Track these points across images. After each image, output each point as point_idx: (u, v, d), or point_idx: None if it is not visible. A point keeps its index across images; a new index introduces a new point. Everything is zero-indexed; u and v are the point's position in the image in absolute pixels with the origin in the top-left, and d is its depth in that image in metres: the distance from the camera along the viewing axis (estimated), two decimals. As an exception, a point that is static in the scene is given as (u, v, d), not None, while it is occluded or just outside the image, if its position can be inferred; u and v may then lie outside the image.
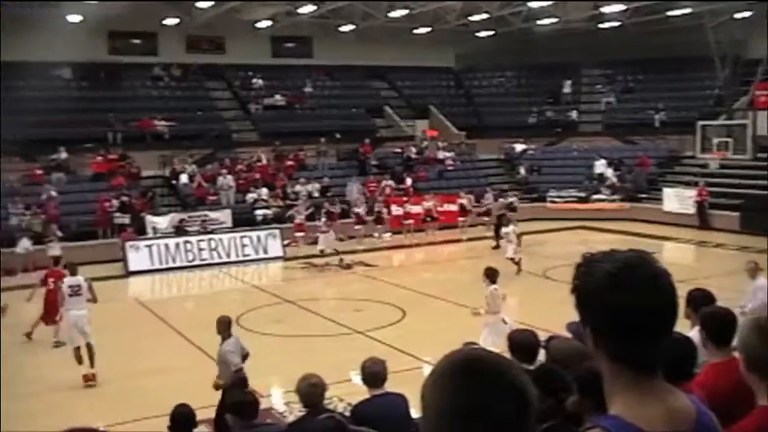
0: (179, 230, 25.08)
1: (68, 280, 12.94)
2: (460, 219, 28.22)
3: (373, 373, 6.14)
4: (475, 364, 1.62)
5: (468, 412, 1.56)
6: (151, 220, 25.42)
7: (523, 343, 5.32)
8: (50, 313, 15.00)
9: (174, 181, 29.20)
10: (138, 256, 23.21)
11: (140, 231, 24.99)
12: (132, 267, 22.90)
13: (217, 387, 9.17)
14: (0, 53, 29.40)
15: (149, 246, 23.64)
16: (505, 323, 11.62)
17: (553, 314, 5.98)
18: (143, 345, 14.61)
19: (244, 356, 9.60)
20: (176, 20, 34.15)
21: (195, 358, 13.64)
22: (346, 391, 10.17)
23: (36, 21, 31.90)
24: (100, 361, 13.44)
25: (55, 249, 22.36)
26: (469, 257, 24.75)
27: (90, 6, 31.42)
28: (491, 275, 12.35)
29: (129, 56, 35.79)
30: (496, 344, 9.96)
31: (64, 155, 28.63)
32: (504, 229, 21.93)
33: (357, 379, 11.54)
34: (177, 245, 23.91)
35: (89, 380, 12.42)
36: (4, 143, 30.27)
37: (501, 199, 27.69)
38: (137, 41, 36.78)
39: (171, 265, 23.43)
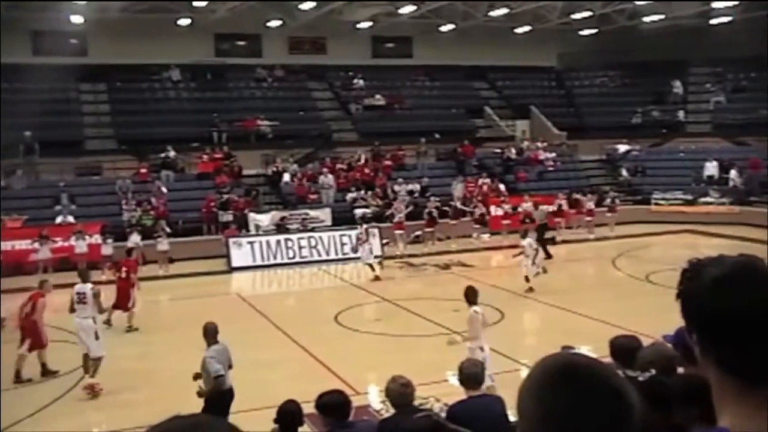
0: (280, 228, 25.61)
1: (76, 287, 12.79)
2: (557, 220, 27.77)
3: (471, 375, 6.10)
4: (572, 370, 1.56)
5: (564, 421, 1.50)
6: (253, 217, 26.05)
7: (625, 348, 5.18)
8: (122, 300, 16.15)
9: (276, 180, 29.83)
10: (240, 252, 23.84)
11: (243, 228, 25.67)
12: (235, 263, 23.53)
13: (200, 394, 9.09)
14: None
15: (251, 243, 24.24)
16: (482, 351, 10.39)
17: (655, 320, 5.82)
18: (244, 339, 14.90)
19: (230, 366, 9.50)
20: (279, 22, 34.89)
21: (294, 354, 13.94)
22: (443, 392, 10.17)
23: (148, 25, 33.22)
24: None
25: (163, 244, 23.24)
26: (568, 260, 24.35)
27: (198, 10, 32.51)
28: (470, 296, 11.09)
29: (234, 58, 36.82)
30: None
31: (172, 154, 29.66)
32: (522, 242, 19.72)
33: (454, 379, 11.56)
34: (278, 242, 24.44)
35: (87, 389, 12.06)
36: (118, 141, 31.77)
37: (542, 207, 26.53)
38: (242, 43, 37.78)
39: (272, 261, 23.95)
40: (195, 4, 31.72)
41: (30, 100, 32.58)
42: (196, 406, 10.42)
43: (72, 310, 12.54)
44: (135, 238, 23.57)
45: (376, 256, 22.56)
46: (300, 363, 13.27)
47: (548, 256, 22.60)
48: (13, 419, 10.53)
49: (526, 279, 18.64)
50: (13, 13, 31.61)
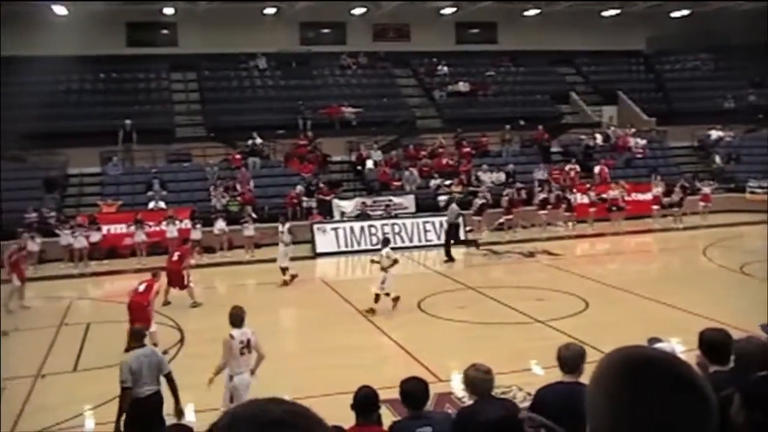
0: (363, 214, 25.81)
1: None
2: (654, 208, 27.11)
3: (569, 359, 5.81)
4: (642, 364, 1.50)
5: (636, 417, 1.45)
6: (337, 204, 26.33)
7: (716, 342, 5.01)
8: (176, 281, 17.07)
9: (360, 167, 30.05)
10: (325, 238, 24.14)
11: (327, 214, 25.97)
12: (319, 249, 23.85)
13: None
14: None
15: (335, 229, 24.52)
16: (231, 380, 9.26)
17: (749, 313, 5.64)
18: (328, 323, 15.20)
19: (166, 374, 8.57)
20: (363, 9, 35.01)
21: (377, 339, 14.07)
22: (525, 381, 10.11)
23: (235, 15, 33.89)
24: (290, 335, 14.18)
25: (249, 230, 23.74)
26: (660, 249, 23.76)
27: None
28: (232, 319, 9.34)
29: (318, 46, 37.20)
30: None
31: (258, 141, 30.21)
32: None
33: (537, 368, 11.50)
34: (362, 229, 24.63)
35: None
36: (207, 129, 32.56)
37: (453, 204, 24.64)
38: (326, 31, 38.14)
39: (355, 248, 24.15)
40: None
41: (124, 90, 33.84)
42: (283, 387, 10.67)
43: None
44: (221, 224, 24.17)
45: (459, 241, 22.68)
46: (383, 349, 13.40)
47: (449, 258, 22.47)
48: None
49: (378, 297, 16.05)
50: (109, 6, 32.72)
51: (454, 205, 23.98)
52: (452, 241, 23.02)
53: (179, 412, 8.38)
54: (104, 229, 23.98)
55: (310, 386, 10.59)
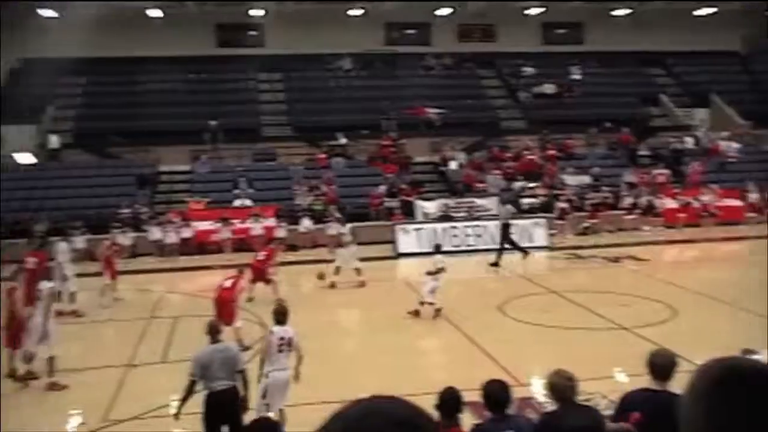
0: (446, 216, 25.75)
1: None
2: (749, 215, 26.17)
3: (659, 365, 5.64)
4: (737, 376, 1.45)
5: (731, 429, 1.40)
6: (420, 204, 26.35)
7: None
8: (261, 278, 17.21)
9: (443, 168, 30.00)
10: (407, 238, 24.19)
11: (409, 215, 26.01)
12: (401, 249, 23.91)
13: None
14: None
15: (417, 230, 24.53)
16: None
17: None
18: (409, 324, 15.21)
19: (239, 370, 8.50)
20: (449, 10, 34.96)
21: (457, 341, 14.00)
22: (610, 388, 9.89)
23: (321, 16, 34.30)
24: (370, 334, 14.28)
25: (332, 229, 24.00)
26: (752, 257, 22.90)
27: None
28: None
29: (403, 46, 37.33)
30: None
31: (343, 141, 30.49)
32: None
33: (621, 375, 11.25)
34: (444, 230, 24.57)
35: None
36: (292, 129, 33.09)
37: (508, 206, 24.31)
38: (411, 32, 38.22)
39: (438, 249, 24.09)
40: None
41: (213, 90, 34.72)
42: (367, 386, 10.75)
43: None
44: (307, 223, 24.50)
45: (540, 247, 22.31)
46: (464, 350, 13.33)
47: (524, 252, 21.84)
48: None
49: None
50: (200, 8, 33.64)
51: (508, 206, 23.73)
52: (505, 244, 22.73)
53: (245, 409, 8.48)
54: (192, 225, 24.62)
55: (394, 386, 10.55)
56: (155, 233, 23.76)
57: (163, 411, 10.81)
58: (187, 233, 24.13)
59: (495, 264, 21.67)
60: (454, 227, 24.76)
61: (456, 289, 20.97)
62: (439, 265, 15.76)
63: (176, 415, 8.40)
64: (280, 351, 9.01)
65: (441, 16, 35.77)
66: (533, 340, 14.13)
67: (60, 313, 15.29)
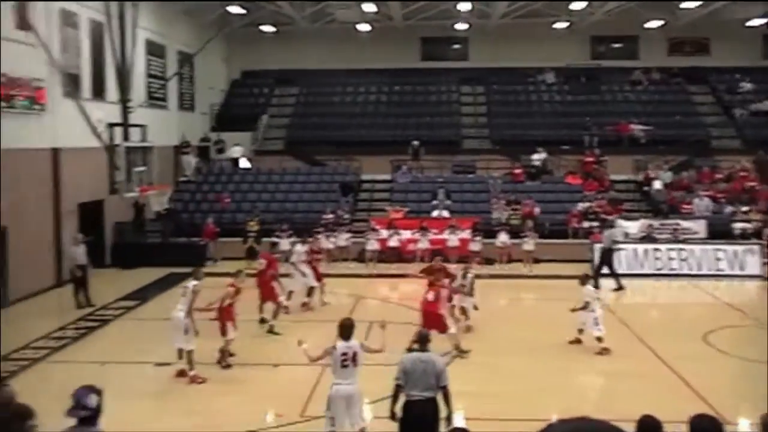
0: (648, 237, 24.75)
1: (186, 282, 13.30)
2: None
3: None
4: None
5: None
6: (620, 224, 25.46)
7: None
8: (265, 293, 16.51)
9: (646, 187, 28.86)
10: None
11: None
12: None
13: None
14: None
15: (618, 250, 23.68)
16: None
17: None
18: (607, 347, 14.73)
19: (441, 386, 8.32)
20: (659, 22, 33.65)
21: (656, 369, 13.42)
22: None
23: (525, 29, 34.21)
24: (565, 354, 14.03)
25: (529, 244, 23.80)
26: None
27: (576, 12, 32.67)
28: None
29: (609, 60, 36.39)
30: None
31: (543, 156, 30.13)
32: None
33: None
34: (645, 252, 23.63)
35: (181, 375, 12.68)
36: (492, 142, 33.17)
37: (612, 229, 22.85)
38: (618, 45, 37.21)
39: (637, 271, 23.22)
40: (572, 6, 31.89)
41: (416, 102, 35.60)
42: (560, 407, 10.60)
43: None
44: (504, 237, 24.43)
45: (753, 276, 20.85)
46: (663, 379, 12.75)
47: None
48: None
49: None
50: (406, 22, 34.64)
51: (612, 230, 22.45)
52: (603, 269, 21.56)
53: (448, 421, 8.50)
54: (389, 233, 25.23)
55: (588, 409, 10.38)
56: (343, 240, 24.73)
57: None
58: (393, 242, 24.69)
59: (619, 288, 21.09)
60: (657, 249, 23.71)
61: (655, 313, 20.20)
62: (586, 299, 14.76)
63: (392, 416, 8.45)
64: (344, 366, 8.89)
65: (650, 29, 34.47)
66: (738, 374, 13.29)
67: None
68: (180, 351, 12.73)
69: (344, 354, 8.86)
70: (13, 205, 18.73)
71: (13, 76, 18.73)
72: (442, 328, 13.48)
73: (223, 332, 13.13)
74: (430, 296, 14.00)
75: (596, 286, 20.52)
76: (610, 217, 25.70)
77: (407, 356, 8.74)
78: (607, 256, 21.54)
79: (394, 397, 8.47)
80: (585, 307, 14.63)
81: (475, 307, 16.00)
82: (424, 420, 8.32)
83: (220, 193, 28.70)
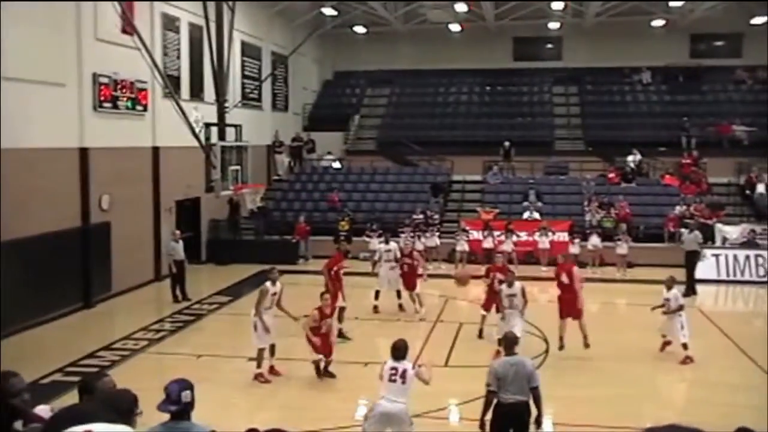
0: (751, 242, 23.82)
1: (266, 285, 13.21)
2: None
3: None
4: None
5: None
6: (720, 229, 24.60)
7: None
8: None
9: (749, 191, 27.76)
10: (704, 264, 22.65)
11: (708, 239, 24.35)
12: (697, 275, 22.46)
13: None
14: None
15: (716, 255, 22.92)
16: None
17: None
18: (706, 357, 14.21)
19: (533, 387, 8.36)
20: (765, 18, 32.27)
21: (755, 379, 12.91)
22: None
23: (622, 28, 33.45)
24: (660, 363, 13.64)
25: (622, 248, 23.24)
26: None
27: (675, 10, 31.77)
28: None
29: (710, 59, 35.20)
30: None
31: (638, 157, 29.39)
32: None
33: None
34: (746, 258, 22.77)
35: (260, 377, 12.75)
36: (586, 143, 32.56)
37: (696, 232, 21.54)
38: (720, 43, 35.96)
39: (738, 277, 22.42)
40: (672, 4, 30.99)
41: (508, 102, 35.32)
42: (661, 415, 10.33)
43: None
44: (595, 240, 23.95)
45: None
46: (761, 389, 12.26)
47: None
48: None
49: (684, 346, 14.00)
50: (499, 22, 34.39)
51: (695, 232, 21.40)
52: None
53: (538, 423, 8.47)
54: (479, 235, 25.00)
55: (679, 417, 10.07)
56: (435, 240, 24.62)
57: (442, 413, 11.24)
58: (487, 243, 24.47)
59: (690, 293, 20.27)
60: (760, 256, 22.78)
61: (758, 323, 19.35)
62: (681, 300, 14.34)
63: (482, 426, 8.48)
64: (392, 381, 8.70)
65: (756, 26, 33.11)
66: None
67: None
68: (260, 349, 12.90)
69: (393, 369, 8.74)
70: (115, 202, 19.50)
71: (117, 78, 19.54)
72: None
73: (314, 350, 12.94)
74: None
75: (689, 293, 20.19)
76: (709, 222, 24.80)
77: (497, 362, 8.71)
78: (690, 260, 20.86)
79: (487, 405, 8.44)
80: (663, 305, 14.26)
81: None
82: (519, 422, 8.35)
83: (314, 192, 29.22)
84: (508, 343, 8.84)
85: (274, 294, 13.05)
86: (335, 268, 15.97)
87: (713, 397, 12.04)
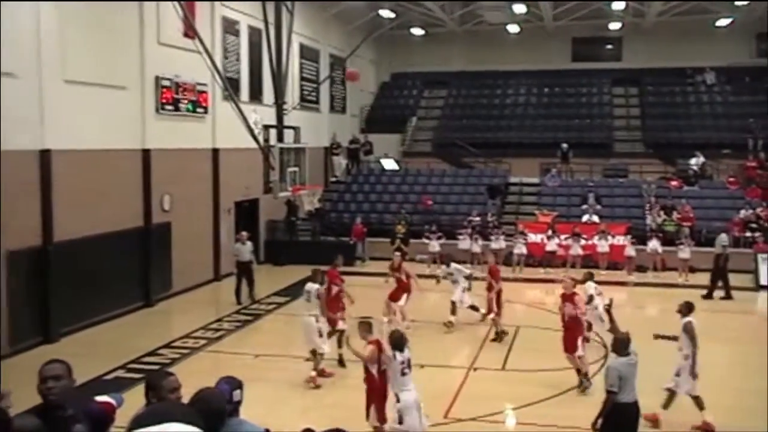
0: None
1: (306, 286, 13.31)
2: None
3: None
4: None
5: None
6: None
7: None
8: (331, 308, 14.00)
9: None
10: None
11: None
12: (763, 281, 21.86)
13: None
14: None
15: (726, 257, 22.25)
16: None
17: None
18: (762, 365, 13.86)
19: None
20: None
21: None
22: None
23: (684, 28, 32.77)
24: (726, 370, 13.32)
25: (684, 252, 22.72)
26: None
27: (740, 9, 31.02)
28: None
29: (777, 59, 34.27)
30: None
31: (701, 160, 28.75)
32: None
33: None
34: (816, 264, 22.05)
35: (311, 381, 12.65)
36: (646, 145, 31.98)
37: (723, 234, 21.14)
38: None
39: (806, 284, 21.73)
40: (737, 3, 30.24)
41: (566, 104, 34.90)
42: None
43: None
44: (654, 244, 23.48)
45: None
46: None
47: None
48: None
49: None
50: (557, 23, 34.02)
51: (721, 235, 20.81)
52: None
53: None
54: (536, 238, 24.78)
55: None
56: (501, 243, 24.37)
57: (499, 417, 11.15)
58: (551, 246, 24.21)
59: (728, 297, 19.96)
60: (828, 261, 22.07)
61: None
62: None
63: (593, 427, 8.38)
64: (404, 374, 9.19)
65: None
66: None
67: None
68: (313, 351, 12.93)
69: (402, 363, 9.23)
70: (176, 203, 19.85)
71: (178, 81, 19.91)
72: (580, 333, 12.84)
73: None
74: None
75: (729, 297, 19.93)
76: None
77: (618, 362, 8.56)
78: (719, 263, 20.38)
79: (605, 406, 8.35)
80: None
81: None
82: (636, 423, 8.43)
83: (370, 194, 29.30)
84: (623, 343, 8.69)
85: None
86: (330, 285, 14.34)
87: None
